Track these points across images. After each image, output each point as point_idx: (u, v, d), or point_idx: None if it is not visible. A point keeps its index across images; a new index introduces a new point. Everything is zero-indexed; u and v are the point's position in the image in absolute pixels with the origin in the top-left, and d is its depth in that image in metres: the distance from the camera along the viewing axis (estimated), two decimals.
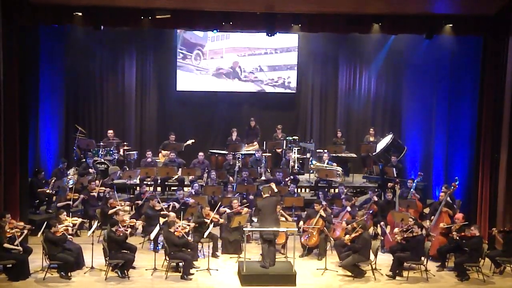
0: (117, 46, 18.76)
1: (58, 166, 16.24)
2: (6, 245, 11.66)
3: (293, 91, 19.46)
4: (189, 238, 12.49)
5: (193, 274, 12.10)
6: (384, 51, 18.66)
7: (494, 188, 14.19)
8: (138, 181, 16.17)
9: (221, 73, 19.17)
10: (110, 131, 17.88)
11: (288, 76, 19.31)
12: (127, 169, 17.13)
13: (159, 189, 16.57)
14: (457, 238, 12.41)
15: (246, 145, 18.10)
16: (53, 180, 14.96)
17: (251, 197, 14.84)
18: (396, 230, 12.81)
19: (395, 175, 16.03)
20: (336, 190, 15.70)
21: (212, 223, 13.03)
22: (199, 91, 19.19)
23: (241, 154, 17.38)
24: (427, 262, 12.39)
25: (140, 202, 14.38)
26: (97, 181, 15.07)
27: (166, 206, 13.79)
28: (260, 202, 12.45)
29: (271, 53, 19.19)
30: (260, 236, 12.40)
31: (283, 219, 13.37)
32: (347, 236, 12.37)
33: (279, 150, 18.00)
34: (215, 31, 15.50)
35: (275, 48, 19.09)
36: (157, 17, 13.84)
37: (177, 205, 14.02)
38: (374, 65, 19.26)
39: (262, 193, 12.87)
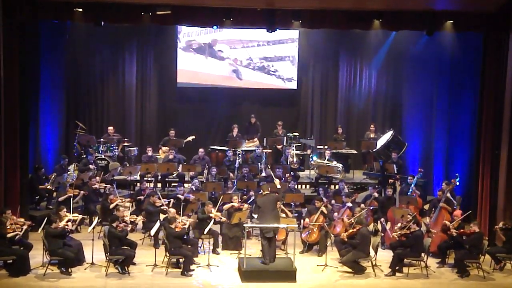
0: (118, 42, 18.72)
1: (59, 162, 16.24)
2: (10, 234, 11.67)
3: (294, 87, 19.45)
4: (190, 235, 12.53)
5: (193, 270, 12.11)
6: (385, 47, 18.64)
7: (495, 184, 14.19)
8: (138, 177, 16.17)
9: (189, 47, 19.01)
10: (110, 128, 17.85)
11: (272, 65, 19.23)
12: (128, 165, 17.13)
13: (159, 185, 16.57)
14: (455, 234, 12.43)
15: (246, 141, 18.08)
16: (53, 176, 14.97)
17: (252, 193, 14.81)
18: (395, 227, 12.80)
19: (396, 172, 16.02)
20: (337, 187, 15.70)
21: (213, 220, 13.05)
22: (199, 87, 19.18)
23: (242, 150, 17.37)
24: (427, 259, 12.40)
25: (141, 197, 14.40)
26: (97, 177, 15.06)
27: (167, 202, 13.79)
28: (260, 199, 12.45)
29: (264, 45, 19.17)
30: (260, 233, 12.39)
31: (283, 215, 13.35)
32: (344, 232, 12.37)
33: (279, 147, 18.00)
34: (215, 27, 15.45)
35: (267, 41, 19.05)
36: (158, 13, 13.83)
37: (185, 190, 13.93)
38: (375, 61, 19.24)
39: (261, 190, 12.85)
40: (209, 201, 13.93)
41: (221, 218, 13.32)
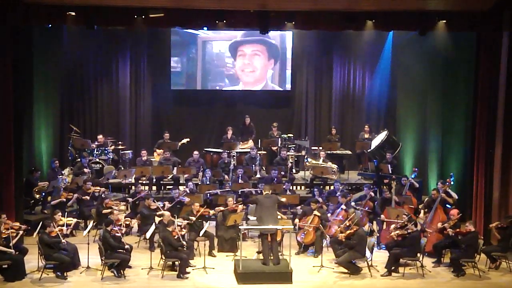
0: (111, 45, 18.71)
1: (52, 166, 16.19)
2: (1, 248, 11.62)
3: (288, 89, 19.47)
4: (185, 236, 12.50)
5: (189, 272, 12.11)
6: (380, 48, 18.67)
7: (489, 183, 14.22)
8: (133, 180, 16.14)
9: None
10: (100, 136, 17.65)
11: (266, 66, 19.27)
12: (122, 168, 17.10)
13: (154, 188, 16.54)
14: (453, 234, 12.44)
15: (241, 143, 18.07)
16: (45, 175, 14.95)
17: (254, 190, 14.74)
18: (392, 227, 12.81)
19: (390, 172, 16.03)
20: (332, 187, 15.70)
21: (208, 223, 13.03)
22: (193, 90, 19.18)
23: (236, 152, 17.36)
24: (423, 258, 12.41)
25: (130, 199, 14.37)
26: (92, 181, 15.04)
27: (162, 205, 13.76)
28: (260, 197, 12.38)
29: (257, 46, 19.20)
30: (259, 234, 12.34)
31: (279, 216, 13.33)
32: (342, 234, 12.35)
33: (274, 148, 17.98)
34: (205, 28, 15.48)
35: (261, 42, 19.07)
36: (151, 16, 13.82)
37: (168, 205, 13.93)
38: (369, 61, 19.27)
39: (263, 190, 12.77)
40: (194, 201, 13.83)
41: (209, 212, 13.27)
